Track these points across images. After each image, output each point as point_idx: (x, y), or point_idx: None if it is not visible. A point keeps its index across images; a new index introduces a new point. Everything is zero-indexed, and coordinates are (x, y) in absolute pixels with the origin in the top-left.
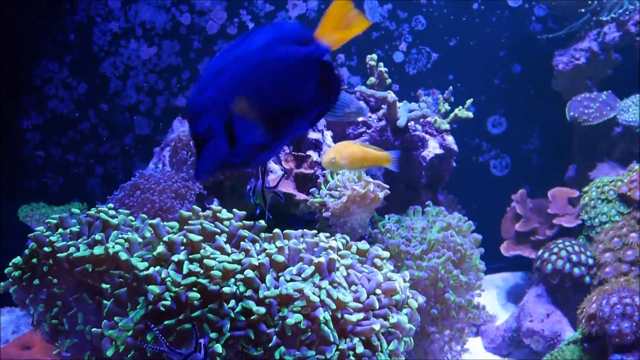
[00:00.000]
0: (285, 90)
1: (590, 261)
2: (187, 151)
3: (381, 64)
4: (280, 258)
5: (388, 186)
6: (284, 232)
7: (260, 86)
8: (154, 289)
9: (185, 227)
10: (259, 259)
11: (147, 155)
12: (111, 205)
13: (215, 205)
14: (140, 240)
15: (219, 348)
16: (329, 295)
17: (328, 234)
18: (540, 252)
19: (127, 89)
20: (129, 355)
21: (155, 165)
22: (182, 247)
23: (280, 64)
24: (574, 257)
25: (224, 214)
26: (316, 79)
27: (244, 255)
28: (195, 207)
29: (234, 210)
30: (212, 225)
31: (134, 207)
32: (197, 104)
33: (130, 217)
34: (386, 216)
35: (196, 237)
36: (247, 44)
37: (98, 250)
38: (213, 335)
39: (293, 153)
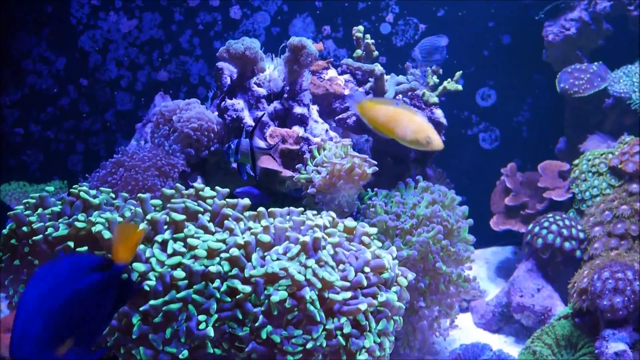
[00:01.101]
0: (93, 312)
1: (581, 235)
2: (169, 127)
3: (368, 35)
4: (266, 237)
5: (376, 162)
6: (269, 210)
7: (73, 317)
8: (139, 266)
9: (168, 205)
10: (244, 238)
11: (129, 132)
12: (86, 185)
13: (197, 183)
14: (120, 219)
15: (210, 331)
16: (315, 274)
17: (315, 212)
18: (530, 226)
19: (107, 63)
20: (112, 338)
21: (137, 142)
22: (165, 226)
23: (86, 294)
24: (565, 231)
25: (207, 192)
26: (117, 291)
27: (228, 234)
28: (178, 185)
29: (217, 188)
30: (195, 204)
31: (117, 185)
32: (17, 351)
33: (112, 195)
34: (369, 190)
35: (179, 216)
36: (56, 278)
37: (79, 226)
38: (201, 317)
39: (278, 128)
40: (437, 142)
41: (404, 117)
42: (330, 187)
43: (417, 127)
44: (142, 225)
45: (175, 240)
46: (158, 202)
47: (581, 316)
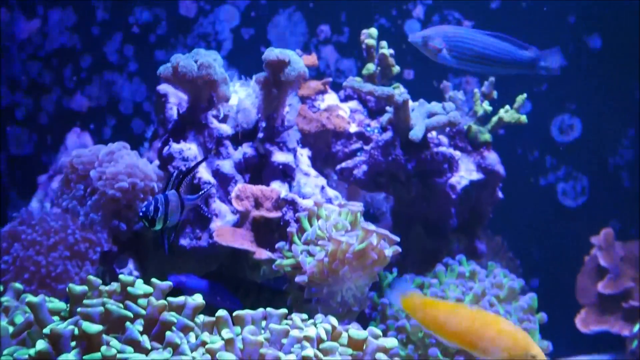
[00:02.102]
0: None
1: None
2: (85, 185)
3: (384, 43)
4: (229, 357)
5: (398, 239)
6: (235, 314)
7: None
8: None
9: (79, 309)
10: (195, 359)
11: (28, 188)
12: None
13: (125, 275)
14: (10, 328)
15: None
16: None
17: (305, 316)
18: (637, 327)
19: None
20: None
21: (40, 204)
22: (74, 343)
23: None
24: None
25: (139, 287)
26: None
27: (170, 352)
28: (91, 278)
29: (154, 281)
30: (121, 306)
31: (8, 271)
32: None
33: None
34: (388, 274)
35: (94, 328)
36: None
37: None
38: None
39: (250, 186)
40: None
41: (488, 326)
42: (330, 277)
43: (511, 341)
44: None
45: None
46: (61, 305)
47: None
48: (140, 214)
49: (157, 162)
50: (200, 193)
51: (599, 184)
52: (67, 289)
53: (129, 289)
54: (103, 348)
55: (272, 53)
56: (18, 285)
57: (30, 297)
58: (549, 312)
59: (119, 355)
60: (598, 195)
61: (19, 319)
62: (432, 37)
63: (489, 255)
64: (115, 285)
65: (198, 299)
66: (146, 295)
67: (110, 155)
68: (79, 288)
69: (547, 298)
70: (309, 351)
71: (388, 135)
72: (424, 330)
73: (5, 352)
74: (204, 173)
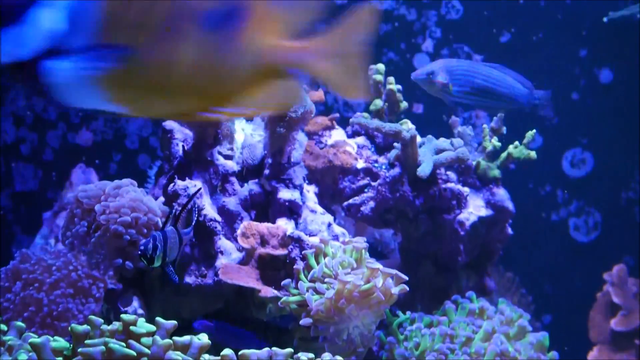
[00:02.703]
0: None
1: None
2: (89, 222)
3: (392, 79)
4: None
5: (407, 278)
6: (240, 353)
7: None
8: None
9: (80, 350)
10: None
11: (33, 224)
12: None
13: (128, 315)
14: None
15: None
16: None
17: (312, 355)
18: None
19: (1, 120)
20: None
21: (45, 240)
22: None
23: None
24: None
25: (142, 326)
26: None
27: None
28: (92, 317)
29: (158, 320)
30: (123, 345)
31: (11, 309)
32: None
33: (1, 326)
34: (399, 312)
35: None
36: None
37: None
38: None
39: (255, 223)
40: None
41: None
42: (336, 315)
43: None
44: None
45: None
46: (64, 344)
47: None
48: (139, 252)
49: (162, 198)
50: (192, 225)
51: (612, 218)
52: (69, 329)
53: (132, 327)
54: None
55: None
56: (20, 323)
57: (33, 338)
58: (560, 349)
59: None
60: (611, 231)
61: (23, 357)
62: (436, 73)
63: (500, 292)
64: (117, 325)
65: (204, 338)
66: (149, 334)
67: (117, 189)
68: (81, 328)
69: (559, 335)
70: None
71: (396, 171)
72: None
73: None
74: (209, 210)
